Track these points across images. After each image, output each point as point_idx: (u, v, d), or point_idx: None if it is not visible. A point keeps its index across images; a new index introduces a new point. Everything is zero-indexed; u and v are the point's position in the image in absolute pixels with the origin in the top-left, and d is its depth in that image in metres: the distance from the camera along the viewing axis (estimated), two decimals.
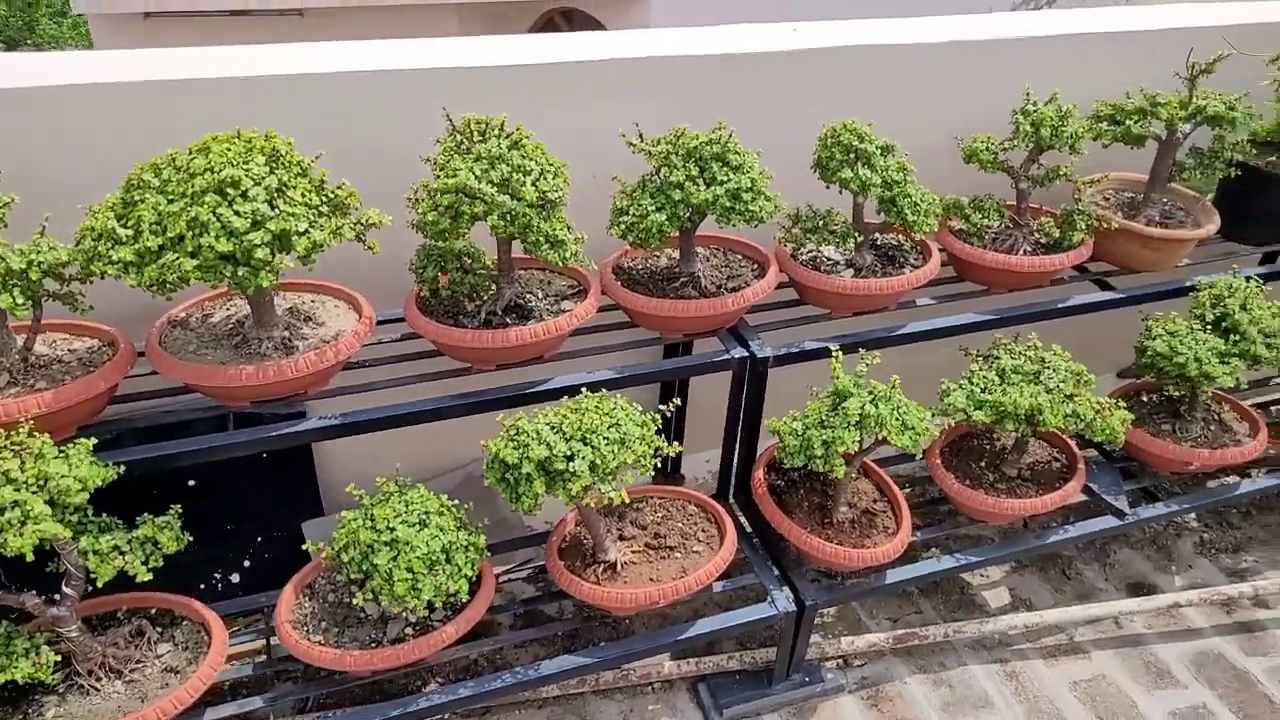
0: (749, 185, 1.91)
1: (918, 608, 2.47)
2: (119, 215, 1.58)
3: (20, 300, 1.58)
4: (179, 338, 1.80)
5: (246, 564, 2.31)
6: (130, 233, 1.56)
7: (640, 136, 1.98)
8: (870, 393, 1.98)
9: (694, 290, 2.08)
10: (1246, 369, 2.35)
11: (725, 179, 1.91)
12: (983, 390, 2.16)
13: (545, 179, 1.77)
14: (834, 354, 2.02)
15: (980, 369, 2.21)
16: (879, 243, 2.34)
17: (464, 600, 1.79)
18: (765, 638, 2.34)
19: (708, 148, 1.93)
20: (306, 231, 1.60)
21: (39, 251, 1.59)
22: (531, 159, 1.78)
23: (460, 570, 1.76)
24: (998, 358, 2.24)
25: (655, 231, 1.93)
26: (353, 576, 1.77)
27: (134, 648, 1.77)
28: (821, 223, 2.19)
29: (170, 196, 1.56)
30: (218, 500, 2.22)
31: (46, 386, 1.63)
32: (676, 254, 2.15)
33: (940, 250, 2.34)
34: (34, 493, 1.49)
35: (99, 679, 1.71)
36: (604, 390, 1.88)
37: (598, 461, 1.75)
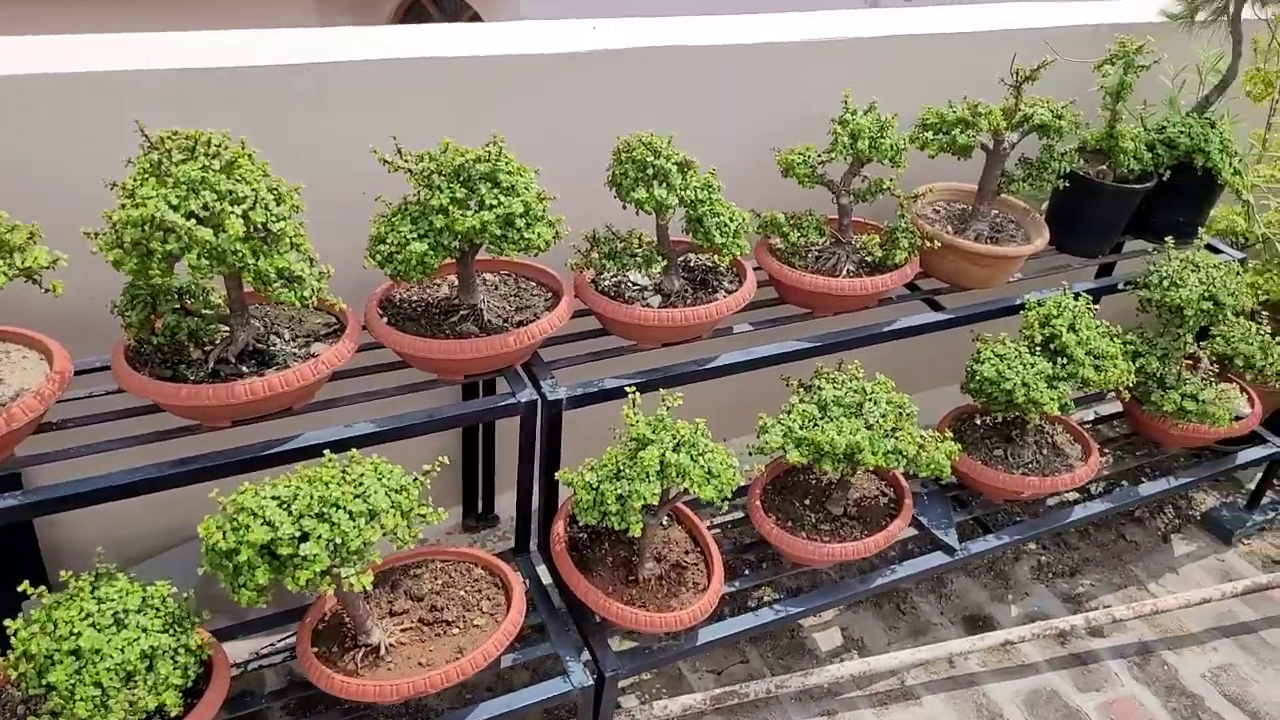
0: (523, 210, 1.67)
1: (744, 656, 2.29)
2: None
3: None
4: None
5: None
6: None
7: (399, 152, 1.71)
8: (673, 437, 1.77)
9: (474, 325, 1.83)
10: (1075, 391, 2.25)
11: (495, 202, 1.66)
12: (801, 426, 1.98)
13: (264, 207, 1.48)
14: (630, 395, 1.80)
15: (800, 401, 2.04)
16: (692, 264, 2.13)
17: (174, 715, 1.49)
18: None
19: (477, 165, 1.67)
20: None
21: None
22: (248, 182, 1.49)
23: (166, 680, 1.46)
24: (820, 388, 2.06)
25: (415, 264, 1.67)
26: (31, 693, 1.45)
27: None
28: (622, 246, 1.96)
29: None
30: None
31: None
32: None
33: (758, 269, 2.15)
34: None
35: None
36: (354, 451, 1.61)
37: (340, 540, 1.48)
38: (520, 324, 1.84)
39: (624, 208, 1.88)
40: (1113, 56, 2.31)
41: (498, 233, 1.66)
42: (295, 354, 1.70)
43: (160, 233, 1.41)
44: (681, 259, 2.12)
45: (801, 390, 2.10)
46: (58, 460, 1.59)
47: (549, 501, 2.00)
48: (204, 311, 1.65)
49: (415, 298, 1.91)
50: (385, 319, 1.82)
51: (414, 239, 1.66)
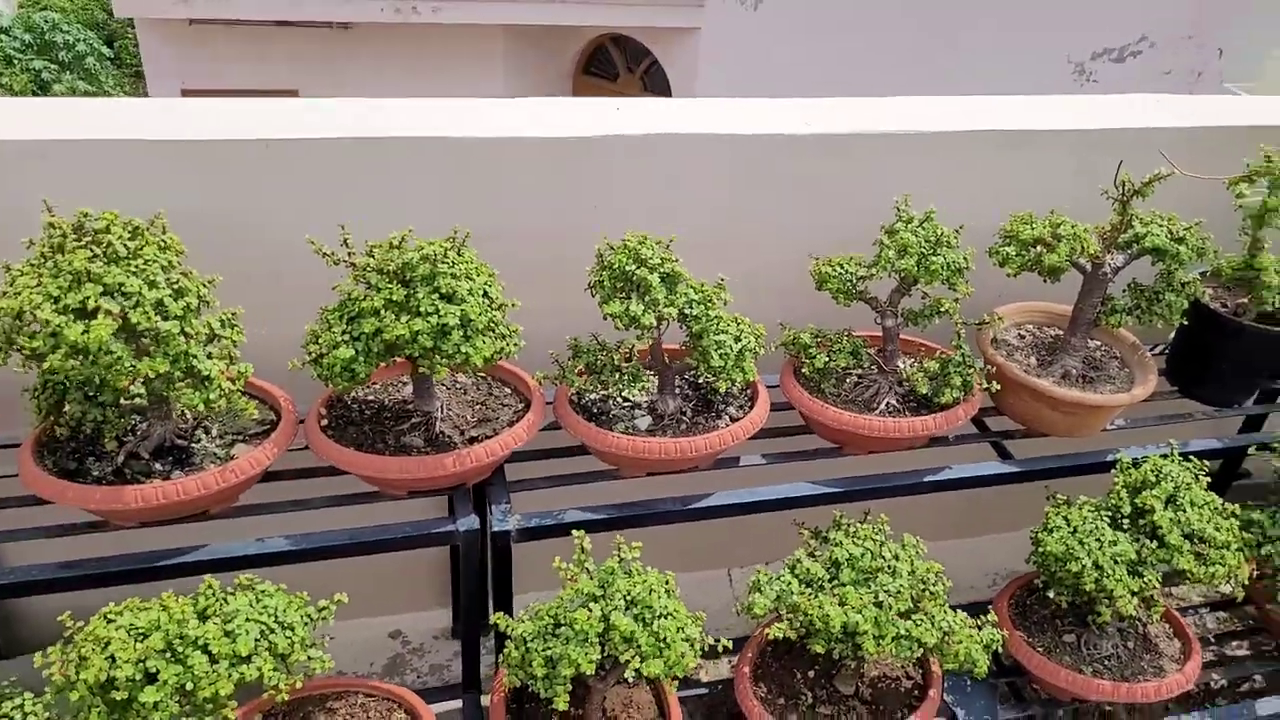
0: (458, 321, 1.45)
1: None
2: None
3: None
4: None
5: None
6: None
7: (345, 243, 1.53)
8: (626, 594, 1.50)
9: (421, 438, 1.63)
10: (1166, 585, 1.79)
11: (431, 309, 1.45)
12: (800, 589, 1.65)
13: (148, 306, 1.34)
14: (577, 539, 1.54)
15: (808, 555, 1.71)
16: (700, 380, 1.85)
17: None
18: None
19: (420, 265, 1.47)
20: None
21: None
22: (143, 275, 1.35)
23: None
24: (836, 543, 1.73)
25: (340, 370, 1.48)
26: None
27: None
28: (607, 358, 1.71)
29: None
30: None
31: None
32: None
33: (774, 388, 1.84)
34: None
35: None
36: (241, 575, 1.43)
37: (191, 686, 1.30)
38: (473, 440, 1.63)
39: (604, 319, 1.63)
40: (1254, 173, 1.86)
41: (428, 344, 1.45)
42: (216, 454, 1.56)
43: (29, 328, 1.29)
44: (688, 373, 1.85)
45: (812, 541, 1.77)
46: None
47: (501, 641, 1.75)
48: (112, 402, 1.53)
49: (372, 397, 1.73)
50: (328, 420, 1.65)
51: (343, 342, 1.48)
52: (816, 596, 1.63)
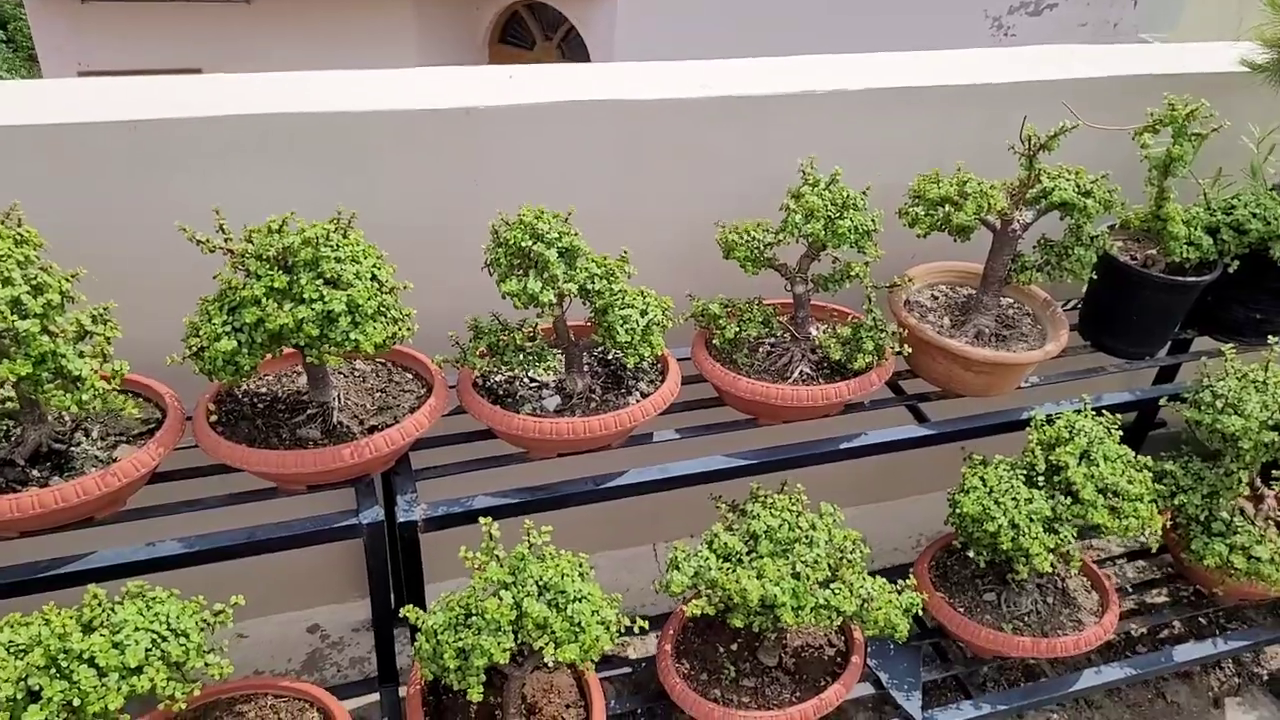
0: (346, 307, 1.39)
1: None
2: None
3: None
4: None
5: None
6: None
7: (221, 229, 1.45)
8: (539, 580, 1.46)
9: (318, 429, 1.56)
10: (1081, 540, 1.81)
11: (315, 295, 1.38)
12: (718, 564, 1.63)
13: (19, 300, 1.25)
14: (485, 526, 1.50)
15: (726, 530, 1.69)
16: (609, 356, 1.80)
17: None
18: None
19: (301, 249, 1.40)
20: None
21: None
22: (3, 267, 1.26)
23: None
24: (754, 515, 1.70)
25: (222, 364, 1.41)
26: None
27: None
28: (509, 338, 1.65)
29: None
30: None
31: None
32: None
33: (684, 360, 1.81)
34: None
35: None
36: (130, 583, 1.36)
37: (78, 703, 1.23)
38: (373, 429, 1.56)
39: (502, 298, 1.57)
40: (1156, 122, 1.86)
41: (314, 333, 1.38)
42: (97, 457, 1.47)
43: None
44: (596, 349, 1.80)
45: (729, 515, 1.74)
46: None
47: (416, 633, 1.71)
48: None
49: (265, 390, 1.65)
50: (217, 416, 1.57)
51: (224, 334, 1.40)
52: (734, 571, 1.61)
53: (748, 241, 1.73)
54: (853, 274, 1.78)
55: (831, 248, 1.71)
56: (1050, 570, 1.87)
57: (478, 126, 1.72)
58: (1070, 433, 1.81)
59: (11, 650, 1.25)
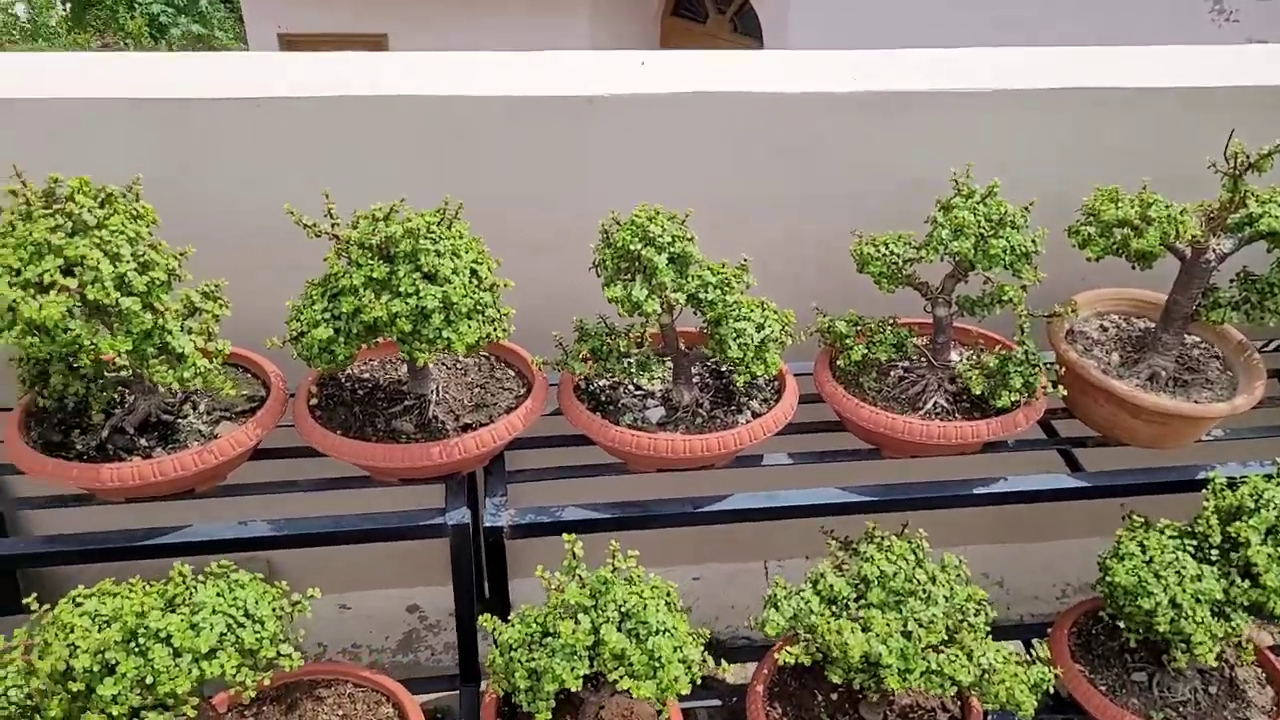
0: (439, 304, 1.33)
1: None
2: None
3: None
4: None
5: None
6: None
7: (329, 213, 1.42)
8: (620, 605, 1.37)
9: (411, 423, 1.52)
10: (1258, 627, 1.55)
11: (410, 289, 1.33)
12: (820, 608, 1.49)
13: (105, 283, 1.25)
14: (568, 544, 1.42)
15: (834, 569, 1.54)
16: (722, 368, 1.68)
17: None
18: None
19: (403, 240, 1.35)
20: None
21: None
22: (105, 248, 1.27)
23: None
24: (866, 557, 1.55)
25: (318, 351, 1.38)
26: None
27: None
28: (614, 343, 1.56)
29: None
30: None
31: None
32: None
33: (801, 376, 1.66)
34: None
35: None
36: (214, 562, 1.36)
37: (151, 681, 1.24)
38: (467, 427, 1.51)
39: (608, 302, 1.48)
40: None
41: (407, 329, 1.33)
42: (201, 432, 1.49)
43: None
44: (710, 361, 1.68)
45: (840, 553, 1.59)
46: None
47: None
48: (97, 375, 1.47)
49: (367, 375, 1.63)
50: (318, 400, 1.55)
51: (322, 322, 1.38)
52: (837, 620, 1.46)
53: (885, 256, 1.56)
54: (1005, 298, 1.58)
55: (982, 269, 1.51)
56: (1214, 665, 1.61)
57: (600, 116, 1.63)
58: (1256, 503, 1.55)
59: (95, 620, 1.27)
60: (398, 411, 1.54)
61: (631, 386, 1.63)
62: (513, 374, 1.65)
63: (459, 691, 1.74)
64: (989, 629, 1.50)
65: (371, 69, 1.66)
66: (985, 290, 1.59)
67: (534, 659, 1.36)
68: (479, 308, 1.37)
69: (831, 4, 8.27)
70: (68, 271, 1.24)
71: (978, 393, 1.59)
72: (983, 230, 1.49)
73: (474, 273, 1.38)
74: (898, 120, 1.70)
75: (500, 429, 1.49)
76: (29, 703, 1.40)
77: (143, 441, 1.46)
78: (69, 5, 11.74)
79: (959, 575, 1.53)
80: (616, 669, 1.34)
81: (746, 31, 9.37)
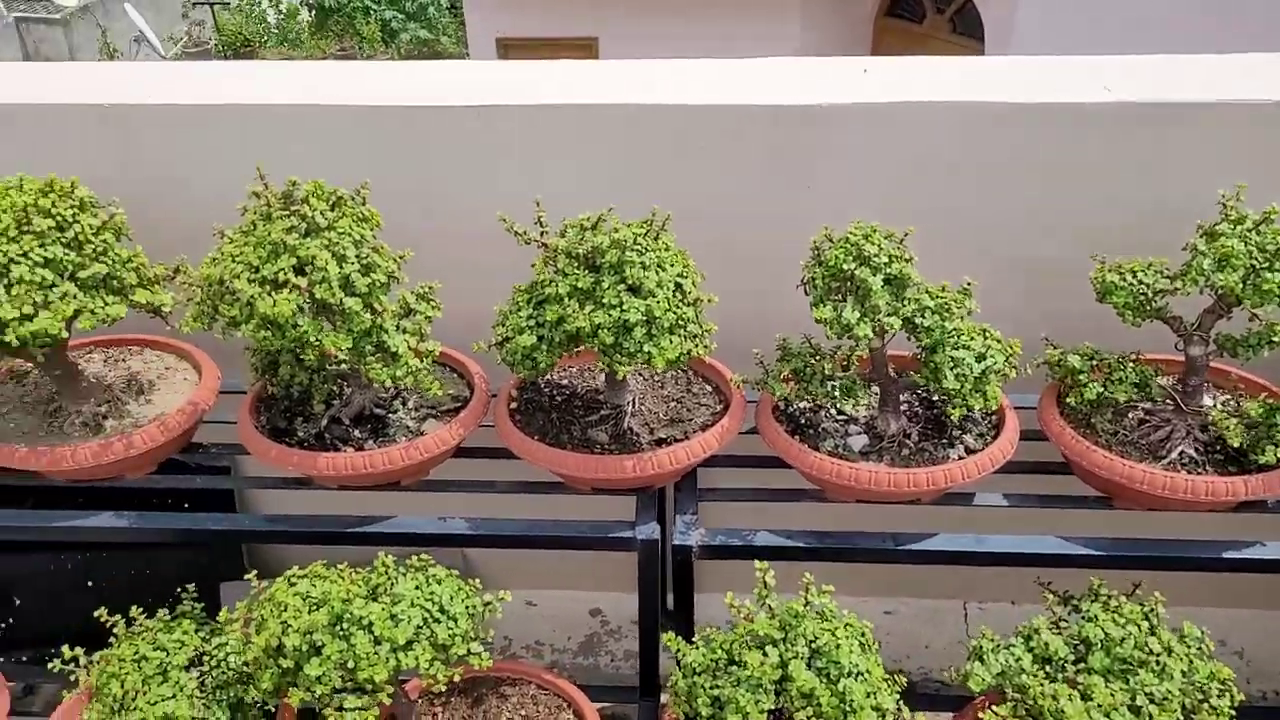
0: (643, 317, 1.30)
1: None
2: None
3: None
4: (2, 391, 1.63)
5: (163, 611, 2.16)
6: None
7: (539, 221, 1.43)
8: (811, 641, 1.31)
9: (606, 433, 1.51)
10: None
11: (614, 301, 1.32)
12: (1030, 668, 1.36)
13: (332, 282, 1.31)
14: (760, 572, 1.36)
15: (1045, 628, 1.40)
16: (933, 397, 1.57)
17: None
18: None
19: (610, 251, 1.34)
20: (28, 318, 1.31)
21: None
22: (333, 249, 1.33)
23: None
24: (1089, 617, 1.40)
25: (522, 358, 1.40)
26: None
27: None
28: (818, 366, 1.48)
29: None
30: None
31: None
32: None
33: (1025, 408, 1.52)
34: None
35: None
36: (415, 556, 1.41)
37: (352, 665, 1.30)
38: (660, 441, 1.49)
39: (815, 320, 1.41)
40: None
41: (608, 340, 1.32)
42: (408, 427, 1.55)
43: (229, 296, 1.31)
44: (919, 389, 1.57)
45: (1058, 609, 1.45)
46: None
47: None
48: (324, 367, 1.55)
49: (566, 382, 1.64)
50: (518, 404, 1.58)
51: (527, 329, 1.39)
52: (1052, 683, 1.32)
53: (1132, 285, 1.40)
54: (1277, 339, 1.38)
55: (1249, 305, 1.32)
56: None
57: (818, 126, 1.55)
58: None
59: (306, 601, 1.34)
60: (593, 420, 1.54)
61: (833, 411, 1.55)
62: (709, 389, 1.61)
63: (638, 705, 1.73)
64: (1233, 714, 1.32)
65: (585, 76, 1.67)
66: (1252, 329, 1.40)
67: (718, 687, 1.32)
68: (681, 322, 1.34)
69: (1064, 12, 7.71)
70: (299, 270, 1.32)
71: (1235, 444, 1.39)
72: (1255, 261, 1.30)
73: (678, 287, 1.35)
74: (1155, 135, 1.53)
75: (695, 446, 1.45)
76: (244, 669, 1.51)
77: (356, 433, 1.53)
78: (313, 12, 12.82)
79: (1200, 650, 1.35)
80: (804, 708, 1.28)
81: (967, 32, 8.91)
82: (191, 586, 1.62)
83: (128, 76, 1.80)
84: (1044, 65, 1.63)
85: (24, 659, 2.11)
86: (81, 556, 2.06)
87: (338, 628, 1.31)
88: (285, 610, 1.33)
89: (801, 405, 1.56)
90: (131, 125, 1.67)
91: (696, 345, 1.35)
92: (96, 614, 1.50)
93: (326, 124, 1.63)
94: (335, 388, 1.57)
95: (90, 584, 2.09)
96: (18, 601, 2.09)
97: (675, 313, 1.33)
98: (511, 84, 1.64)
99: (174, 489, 1.61)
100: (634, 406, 1.54)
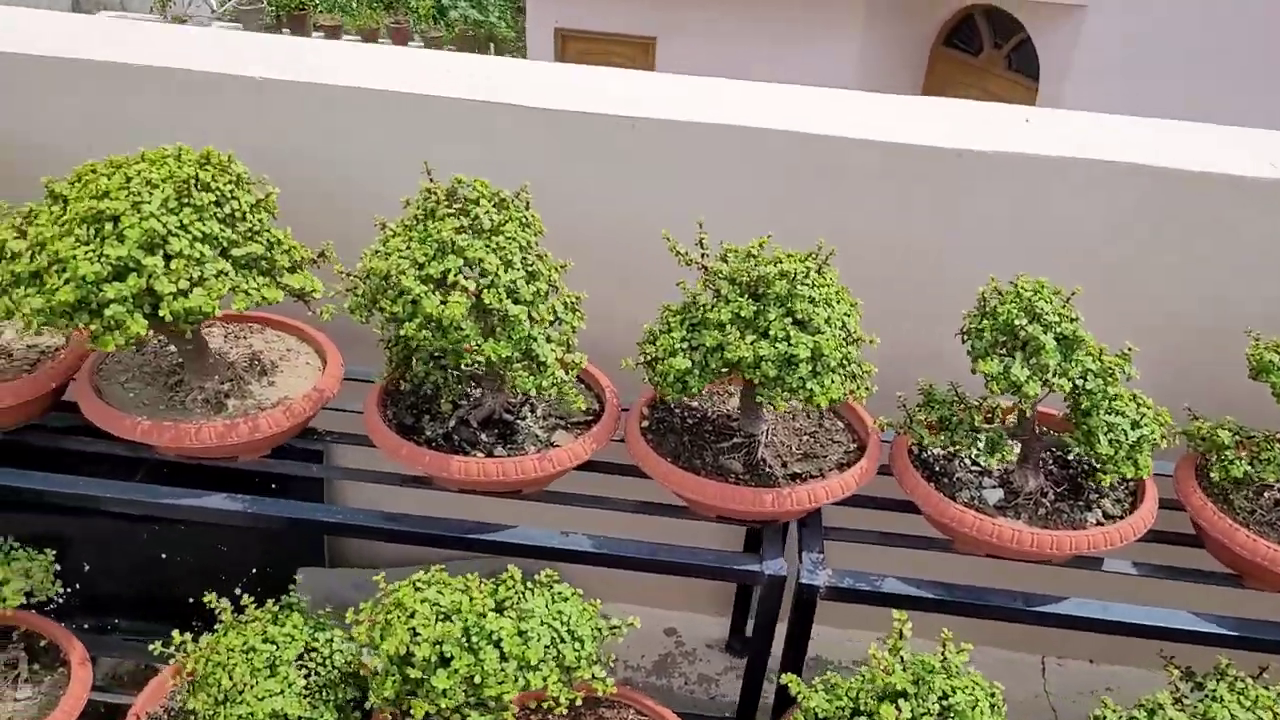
0: (809, 353, 1.28)
1: None
2: (23, 226, 1.38)
3: None
4: (119, 360, 1.60)
5: (238, 590, 2.13)
6: (25, 249, 1.34)
7: (700, 243, 1.41)
8: (942, 697, 1.29)
9: (739, 462, 1.49)
10: None
11: (781, 334, 1.29)
12: None
13: (502, 288, 1.29)
14: (898, 623, 1.34)
15: (1169, 704, 1.38)
16: (1069, 456, 1.55)
17: None
18: None
19: (776, 281, 1.32)
20: (184, 294, 1.28)
21: None
22: (501, 253, 1.31)
23: None
24: (1214, 697, 1.38)
25: (673, 380, 1.37)
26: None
27: (0, 678, 1.63)
28: (963, 414, 1.46)
29: (59, 218, 1.32)
30: None
31: None
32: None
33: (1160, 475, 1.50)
34: None
35: None
36: (543, 572, 1.38)
37: (478, 680, 1.27)
38: (795, 476, 1.46)
39: (973, 371, 1.39)
40: None
41: (771, 374, 1.29)
42: (537, 437, 1.52)
43: (392, 292, 1.29)
44: (1058, 447, 1.55)
45: (1181, 684, 1.43)
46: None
47: (780, 700, 1.59)
48: (458, 367, 1.53)
49: (696, 404, 1.62)
50: (649, 423, 1.55)
51: (681, 351, 1.36)
52: None
53: None
54: None
55: None
56: None
57: (972, 172, 1.53)
58: None
59: (434, 611, 1.32)
60: (726, 448, 1.51)
61: (967, 460, 1.53)
62: (841, 426, 1.59)
63: None
64: None
65: (739, 98, 1.65)
66: None
67: None
68: (846, 361, 1.31)
69: (1126, 53, 7.71)
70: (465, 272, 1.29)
71: None
72: None
73: (843, 325, 1.33)
74: None
75: (835, 486, 1.43)
76: (348, 668, 1.48)
77: (483, 437, 1.51)
78: None
79: None
80: None
81: (1021, 69, 8.91)
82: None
83: (286, 51, 1.77)
84: (1206, 133, 1.62)
85: (85, 627, 2.08)
86: (157, 527, 2.02)
87: (468, 640, 1.29)
88: (413, 617, 1.30)
89: (934, 451, 1.54)
90: (284, 101, 1.65)
91: (859, 386, 1.33)
92: (206, 599, 1.48)
93: (483, 120, 1.60)
94: (465, 389, 1.54)
95: (163, 556, 2.06)
96: (86, 568, 2.06)
97: (841, 351, 1.30)
98: (673, 99, 1.62)
99: (264, 471, 1.57)
100: (767, 437, 1.52)
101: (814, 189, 1.61)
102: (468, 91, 1.63)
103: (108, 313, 1.24)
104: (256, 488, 1.96)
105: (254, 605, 1.52)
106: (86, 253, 1.24)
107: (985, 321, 1.34)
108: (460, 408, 1.52)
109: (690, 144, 1.59)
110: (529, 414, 1.55)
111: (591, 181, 1.65)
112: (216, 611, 1.49)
